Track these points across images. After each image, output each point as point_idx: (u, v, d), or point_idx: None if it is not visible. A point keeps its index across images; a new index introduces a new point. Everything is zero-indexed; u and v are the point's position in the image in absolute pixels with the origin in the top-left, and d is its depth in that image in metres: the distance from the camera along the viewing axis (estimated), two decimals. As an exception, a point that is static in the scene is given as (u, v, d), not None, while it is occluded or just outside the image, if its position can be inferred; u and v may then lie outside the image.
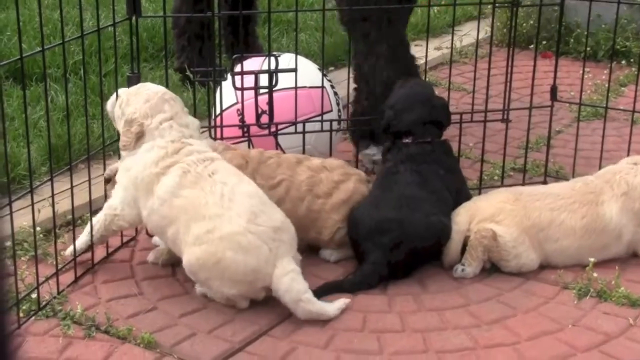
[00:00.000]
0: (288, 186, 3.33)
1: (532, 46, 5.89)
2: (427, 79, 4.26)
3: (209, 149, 3.16)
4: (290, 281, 2.90)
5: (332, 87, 3.97)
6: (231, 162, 3.23)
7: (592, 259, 3.23)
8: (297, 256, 3.05)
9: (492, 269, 3.34)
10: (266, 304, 3.11)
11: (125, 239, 3.51)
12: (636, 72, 4.41)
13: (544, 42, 5.87)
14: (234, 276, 2.92)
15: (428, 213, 3.27)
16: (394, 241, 3.22)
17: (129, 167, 3.10)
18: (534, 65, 3.91)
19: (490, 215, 3.29)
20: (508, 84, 3.90)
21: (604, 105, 4.14)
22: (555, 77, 3.99)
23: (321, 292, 3.14)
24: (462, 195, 3.46)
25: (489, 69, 3.90)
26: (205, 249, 2.92)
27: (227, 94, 3.69)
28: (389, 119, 3.53)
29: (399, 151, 3.47)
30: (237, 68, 3.69)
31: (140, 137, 3.12)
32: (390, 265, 3.22)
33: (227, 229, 2.91)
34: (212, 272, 2.93)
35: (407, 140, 3.47)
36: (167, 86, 3.60)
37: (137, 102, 3.17)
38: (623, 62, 5.66)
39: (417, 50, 5.88)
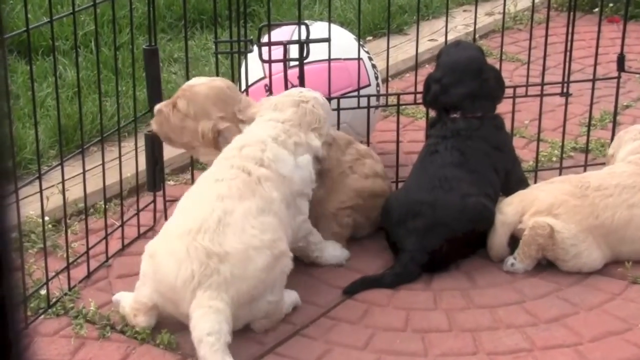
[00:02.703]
0: (334, 165, 3.40)
1: (596, 10, 5.81)
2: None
3: (281, 164, 3.05)
4: (200, 317, 2.72)
5: (370, 59, 3.97)
6: None
7: (664, 249, 3.19)
8: (250, 311, 2.85)
9: (550, 262, 3.32)
10: (301, 300, 3.13)
11: (142, 229, 3.55)
12: None
13: (610, 5, 5.78)
14: (161, 280, 2.85)
15: (465, 194, 3.27)
16: (426, 225, 3.24)
17: None
18: (599, 32, 3.87)
19: (548, 207, 3.25)
20: (568, 53, 3.86)
21: (678, 76, 4.09)
22: (622, 45, 3.94)
23: (359, 288, 3.17)
24: (513, 176, 3.45)
25: (546, 37, 3.86)
26: (154, 239, 2.98)
27: (253, 67, 3.70)
28: (435, 94, 3.53)
29: (443, 126, 3.47)
30: (264, 38, 3.70)
31: (242, 120, 3.21)
32: (428, 254, 3.23)
33: (174, 225, 2.92)
34: (148, 267, 2.91)
35: (455, 115, 3.47)
36: (186, 60, 3.62)
37: (291, 93, 3.26)
38: (700, 26, 5.57)
39: (466, 16, 5.86)
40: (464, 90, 3.46)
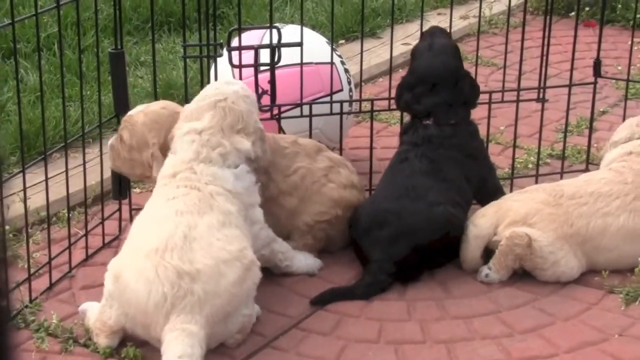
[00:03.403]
0: (304, 174, 3.39)
1: (572, 14, 5.87)
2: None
3: (222, 181, 3.00)
4: (172, 340, 2.70)
5: (343, 63, 3.98)
6: None
7: (642, 259, 3.23)
8: (226, 327, 2.84)
9: (525, 271, 3.34)
10: (271, 311, 3.13)
11: (107, 239, 3.53)
12: (692, 43, 4.40)
13: (587, 9, 5.84)
14: (130, 303, 2.81)
15: (432, 202, 3.29)
16: (392, 235, 3.25)
17: None
18: (575, 36, 3.90)
19: (523, 217, 3.27)
20: (544, 57, 3.90)
21: (656, 82, 4.13)
22: (599, 50, 3.98)
23: (327, 299, 3.17)
24: (488, 184, 3.47)
25: (522, 41, 3.89)
26: (116, 258, 2.92)
27: (222, 72, 3.70)
28: (407, 102, 3.55)
29: (415, 132, 3.49)
30: (235, 42, 3.69)
31: (171, 140, 3.11)
32: (396, 263, 3.24)
33: (138, 244, 2.87)
34: (114, 288, 2.85)
35: (427, 122, 3.49)
36: (153, 64, 3.61)
37: (197, 97, 3.16)
38: (678, 31, 5.63)
39: (440, 19, 5.88)
40: (437, 100, 3.47)
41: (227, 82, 3.22)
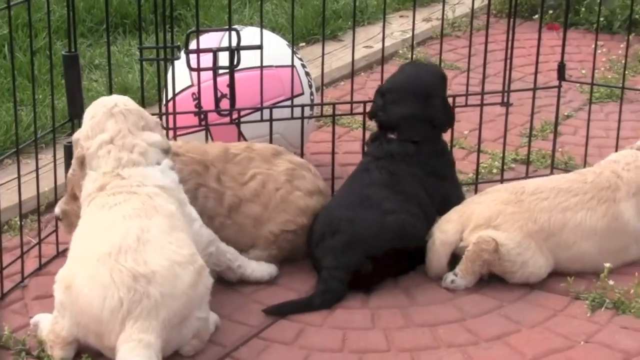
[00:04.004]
0: (264, 180, 3.37)
1: (536, 16, 5.94)
2: (413, 56, 4.28)
3: (152, 179, 3.00)
4: (128, 351, 2.68)
5: (304, 66, 3.99)
6: (184, 169, 3.25)
7: (607, 265, 3.27)
8: (181, 331, 2.83)
9: (491, 276, 3.37)
10: (232, 320, 3.13)
11: (61, 248, 3.50)
12: (656, 47, 4.47)
13: (550, 12, 5.91)
14: (83, 311, 2.78)
15: (386, 211, 3.30)
16: (344, 242, 3.26)
17: None
18: (539, 39, 3.95)
19: (487, 220, 3.31)
20: (508, 61, 3.94)
21: (620, 85, 4.19)
22: (563, 53, 4.03)
23: (284, 310, 3.17)
24: (451, 203, 3.45)
25: (486, 44, 3.92)
26: (64, 268, 2.89)
27: (180, 75, 3.69)
28: (374, 110, 3.57)
29: (379, 145, 3.51)
30: (192, 45, 3.69)
31: (82, 162, 3.07)
32: (348, 271, 3.25)
33: (87, 251, 2.84)
34: (65, 298, 2.83)
35: (391, 136, 3.50)
36: (109, 67, 3.59)
37: (86, 117, 3.14)
38: (642, 34, 5.73)
39: (403, 22, 5.93)
40: (403, 111, 3.49)
41: (103, 98, 3.21)
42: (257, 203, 3.36)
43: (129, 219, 2.88)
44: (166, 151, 3.11)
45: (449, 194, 3.48)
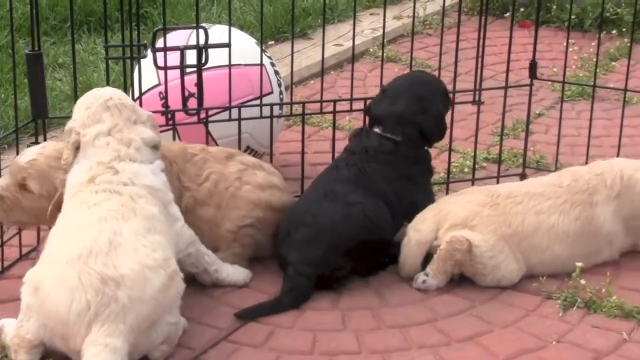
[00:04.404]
0: (216, 180, 3.38)
1: (507, 14, 5.98)
2: (384, 54, 4.30)
3: (143, 178, 3.02)
4: (94, 356, 2.67)
5: (273, 64, 4.00)
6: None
7: (579, 264, 3.31)
8: (149, 337, 2.83)
9: (463, 276, 3.40)
10: (200, 323, 3.13)
11: (24, 250, 3.48)
12: (628, 44, 4.52)
13: (522, 10, 5.96)
14: (50, 313, 2.78)
15: (350, 202, 3.33)
16: (309, 235, 3.29)
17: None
18: (510, 37, 3.98)
19: (463, 220, 3.34)
20: (480, 59, 3.97)
21: (592, 84, 4.23)
22: (534, 51, 4.07)
23: (255, 314, 3.18)
24: (418, 209, 3.45)
25: (457, 42, 3.95)
26: (34, 269, 2.89)
27: (147, 73, 3.69)
28: (372, 102, 3.62)
29: (359, 140, 3.54)
30: (159, 43, 3.69)
31: (77, 147, 3.08)
32: (314, 265, 3.26)
33: (58, 253, 2.85)
34: (32, 300, 2.82)
35: (375, 130, 3.53)
36: (73, 65, 3.58)
37: (79, 108, 3.16)
38: (613, 32, 5.78)
39: (373, 19, 5.95)
40: (394, 108, 3.53)
41: (98, 89, 3.24)
42: (211, 205, 3.37)
43: (104, 221, 2.88)
44: (156, 147, 3.14)
45: (418, 201, 3.49)
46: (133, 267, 2.80)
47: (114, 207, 2.93)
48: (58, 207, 3.09)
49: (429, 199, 3.55)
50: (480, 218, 3.33)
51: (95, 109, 3.11)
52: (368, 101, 3.86)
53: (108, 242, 2.83)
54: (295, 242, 3.31)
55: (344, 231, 3.29)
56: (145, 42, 3.67)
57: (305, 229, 3.31)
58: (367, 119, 3.63)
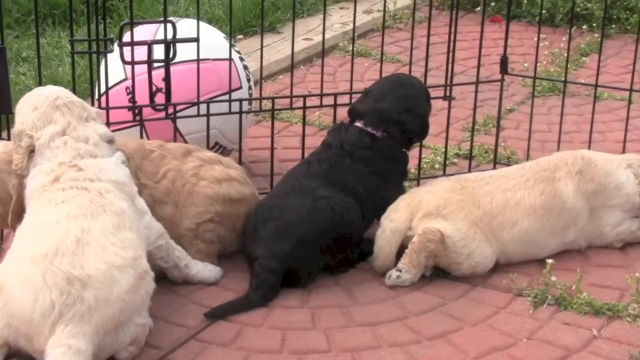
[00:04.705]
0: (174, 177, 3.38)
1: (478, 9, 6.01)
2: (354, 49, 4.31)
3: (108, 172, 3.02)
4: (57, 358, 2.65)
5: (242, 59, 3.99)
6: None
7: (549, 261, 3.34)
8: (117, 338, 2.81)
9: (433, 273, 3.42)
10: (168, 322, 3.12)
11: (-11, 248, 3.47)
12: (599, 39, 4.56)
13: (492, 4, 5.99)
14: (13, 313, 2.76)
15: (317, 197, 3.35)
16: (276, 229, 3.29)
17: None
18: (481, 32, 4.00)
19: (435, 209, 3.38)
20: (450, 54, 3.99)
21: (563, 79, 4.27)
22: (505, 46, 4.09)
23: (225, 312, 3.18)
24: (387, 206, 3.46)
25: (428, 37, 3.97)
26: None
27: (113, 68, 3.67)
28: (356, 101, 3.64)
29: (338, 133, 3.56)
30: (126, 37, 3.67)
31: (31, 151, 3.05)
32: (281, 260, 3.26)
33: (24, 252, 2.83)
34: None
35: (357, 124, 3.55)
36: (38, 60, 3.56)
37: (25, 109, 3.13)
38: (584, 27, 5.83)
39: (343, 14, 5.95)
40: (378, 105, 3.55)
41: (41, 88, 3.21)
42: (169, 203, 3.36)
43: (72, 218, 2.87)
44: (111, 141, 3.13)
45: (389, 198, 3.50)
46: (100, 266, 2.79)
47: (82, 203, 2.91)
48: (17, 214, 3.08)
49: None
50: (452, 205, 3.39)
51: (44, 109, 3.09)
52: (338, 96, 3.88)
53: (76, 241, 2.81)
54: (262, 237, 3.31)
55: (311, 225, 3.30)
56: (112, 36, 3.65)
57: (272, 224, 3.31)
58: (350, 117, 3.63)
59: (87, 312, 2.72)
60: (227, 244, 3.47)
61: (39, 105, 3.10)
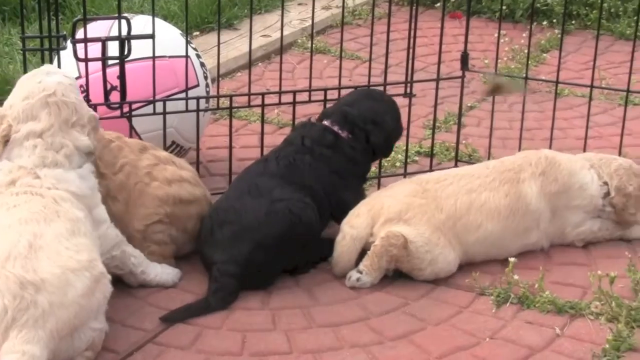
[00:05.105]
0: (129, 172, 3.36)
1: (438, 4, 6.04)
2: (313, 46, 4.31)
3: (67, 184, 2.98)
4: None
5: (199, 56, 3.97)
6: None
7: (512, 259, 3.36)
8: (72, 343, 2.78)
9: (395, 273, 3.43)
10: (125, 325, 3.10)
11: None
12: (559, 35, 4.60)
13: (452, 0, 6.02)
14: None
15: (274, 199, 3.33)
16: (233, 233, 3.28)
17: None
18: (442, 28, 4.02)
19: (397, 214, 3.37)
20: (411, 50, 4.00)
21: (524, 75, 4.30)
22: (466, 42, 4.11)
23: (181, 316, 3.16)
24: (347, 208, 3.46)
25: (387, 33, 3.98)
26: None
27: (66, 66, 3.64)
28: (330, 109, 3.64)
29: (302, 129, 3.55)
30: (79, 34, 3.64)
31: (6, 141, 3.01)
32: (239, 264, 3.25)
33: None
34: None
35: (325, 122, 3.56)
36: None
37: (19, 92, 3.09)
38: (544, 22, 5.88)
39: (301, 10, 5.95)
40: (349, 109, 3.56)
41: (46, 73, 3.17)
42: (121, 201, 3.33)
43: (25, 223, 2.84)
44: (90, 154, 3.09)
45: (347, 200, 3.49)
46: (54, 270, 2.76)
47: (35, 209, 2.88)
48: None
49: (358, 201, 3.54)
50: (414, 209, 3.38)
51: (34, 102, 3.05)
52: (297, 94, 3.88)
53: (28, 245, 2.78)
54: (219, 241, 3.30)
55: (269, 229, 3.29)
56: (65, 32, 3.63)
57: (229, 227, 3.30)
58: (319, 118, 3.63)
59: (41, 316, 2.69)
60: (180, 244, 3.45)
61: (31, 95, 3.05)
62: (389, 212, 3.38)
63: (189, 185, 3.46)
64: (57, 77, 3.14)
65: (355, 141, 3.55)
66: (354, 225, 3.39)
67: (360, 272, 3.36)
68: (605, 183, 3.63)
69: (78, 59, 3.60)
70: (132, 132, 3.72)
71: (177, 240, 3.43)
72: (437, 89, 4.06)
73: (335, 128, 3.54)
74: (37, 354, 2.66)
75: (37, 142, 3.01)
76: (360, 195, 3.59)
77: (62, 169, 3.01)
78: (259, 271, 3.30)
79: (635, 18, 5.41)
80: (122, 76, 3.60)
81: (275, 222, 3.30)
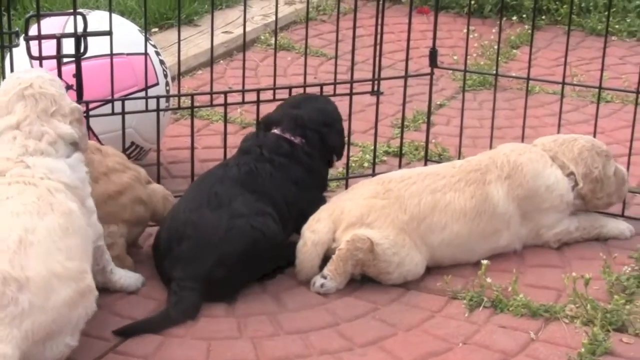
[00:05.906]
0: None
1: (405, 0, 6.06)
2: (277, 42, 4.29)
3: (59, 174, 2.96)
4: None
5: (158, 53, 3.95)
6: None
7: (485, 262, 3.37)
8: (43, 352, 2.75)
9: (364, 277, 3.42)
10: (86, 334, 3.07)
11: None
12: (529, 31, 4.63)
13: (420, -5, 6.05)
14: None
15: (233, 214, 3.29)
16: (192, 249, 3.25)
17: None
18: (409, 24, 4.02)
19: (359, 218, 3.36)
20: (378, 47, 4.00)
21: (494, 72, 4.32)
22: (434, 38, 4.12)
23: (138, 330, 3.12)
24: (305, 217, 3.44)
25: (354, 29, 3.97)
26: None
27: (19, 64, 3.61)
28: (268, 114, 3.62)
29: (256, 138, 3.54)
30: (33, 30, 3.61)
31: None
32: (200, 282, 3.22)
33: None
34: None
35: (274, 130, 3.53)
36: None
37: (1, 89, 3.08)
38: (514, 18, 5.92)
39: (264, 5, 5.94)
40: (295, 111, 3.55)
41: (26, 71, 3.19)
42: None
43: (17, 216, 2.82)
44: (74, 144, 3.07)
45: (308, 210, 3.47)
46: (40, 271, 2.73)
47: (28, 200, 2.86)
48: None
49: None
50: (376, 211, 3.38)
51: (10, 97, 3.04)
52: (261, 92, 3.87)
53: (18, 240, 2.76)
54: (178, 257, 3.26)
55: (229, 246, 3.25)
56: (17, 29, 3.60)
57: (188, 243, 3.26)
58: (264, 126, 3.61)
59: (18, 316, 2.67)
60: (126, 235, 3.38)
61: (8, 90, 3.06)
62: (350, 217, 3.37)
63: (116, 175, 3.38)
64: (37, 72, 3.16)
65: (310, 145, 3.54)
66: (315, 230, 3.38)
67: (325, 278, 3.35)
68: (571, 173, 3.64)
69: (32, 57, 3.56)
70: (89, 132, 3.69)
71: (115, 234, 3.35)
72: (405, 86, 4.06)
73: (287, 135, 3.52)
74: (9, 353, 2.64)
75: (15, 134, 3.00)
76: (320, 203, 3.57)
77: (50, 158, 2.99)
78: (221, 286, 3.27)
79: (606, 13, 5.47)
80: (78, 75, 3.57)
81: (236, 239, 3.26)
